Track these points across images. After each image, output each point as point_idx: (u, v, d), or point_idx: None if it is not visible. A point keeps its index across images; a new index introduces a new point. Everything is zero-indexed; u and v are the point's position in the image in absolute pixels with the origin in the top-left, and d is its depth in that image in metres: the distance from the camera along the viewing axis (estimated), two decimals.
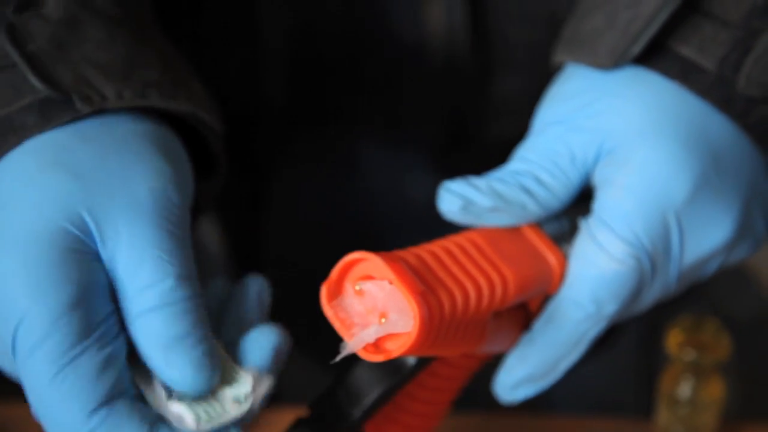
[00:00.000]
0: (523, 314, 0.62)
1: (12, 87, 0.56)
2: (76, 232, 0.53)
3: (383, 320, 0.53)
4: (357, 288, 0.54)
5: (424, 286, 0.54)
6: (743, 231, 0.62)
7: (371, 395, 0.60)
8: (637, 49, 0.61)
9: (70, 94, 0.56)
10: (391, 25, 0.80)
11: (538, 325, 0.61)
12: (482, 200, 0.60)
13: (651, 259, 0.60)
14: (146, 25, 0.63)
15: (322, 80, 0.82)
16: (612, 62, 0.61)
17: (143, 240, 0.54)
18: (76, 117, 0.56)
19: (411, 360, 0.60)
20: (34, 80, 0.56)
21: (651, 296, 0.62)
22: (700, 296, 0.88)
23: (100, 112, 0.57)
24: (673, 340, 0.77)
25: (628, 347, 0.90)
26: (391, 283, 0.53)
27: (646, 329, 0.89)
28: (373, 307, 0.54)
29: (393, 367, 0.60)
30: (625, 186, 0.60)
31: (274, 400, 0.89)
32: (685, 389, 0.78)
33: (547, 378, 0.62)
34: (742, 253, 0.63)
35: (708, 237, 0.61)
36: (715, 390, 0.78)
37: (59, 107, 0.56)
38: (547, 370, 0.61)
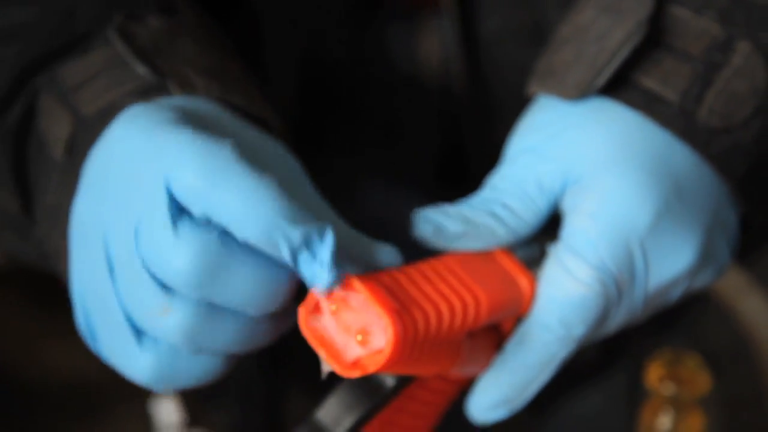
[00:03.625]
0: (496, 337, 0.64)
1: (116, 81, 0.62)
2: None
3: (359, 338, 0.56)
4: (333, 308, 0.56)
5: (399, 305, 0.56)
6: (706, 257, 0.64)
7: (352, 416, 0.61)
8: (601, 81, 0.63)
9: (165, 80, 0.62)
10: (388, 62, 0.83)
11: (510, 347, 0.63)
12: (452, 226, 0.62)
13: (616, 284, 0.62)
14: (228, 47, 0.69)
15: (321, 113, 0.85)
16: (579, 93, 0.64)
17: None
18: (168, 95, 0.62)
19: (390, 381, 0.62)
20: (138, 66, 0.62)
21: (618, 319, 0.63)
22: (681, 331, 0.89)
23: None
24: (654, 374, 0.79)
25: (618, 378, 0.91)
26: (366, 302, 0.55)
27: (634, 361, 0.90)
28: (349, 326, 0.56)
29: (372, 389, 0.62)
30: (591, 213, 0.62)
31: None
32: (664, 423, 0.79)
33: (518, 399, 0.63)
34: (707, 278, 0.65)
35: (672, 262, 0.63)
36: (695, 424, 0.79)
37: (154, 92, 0.62)
38: (519, 391, 0.63)
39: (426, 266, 0.60)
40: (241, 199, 0.55)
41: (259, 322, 0.58)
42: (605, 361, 0.90)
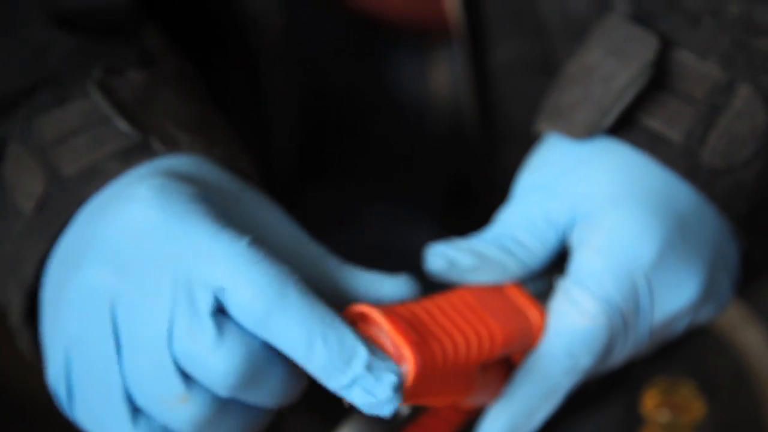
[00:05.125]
0: (506, 368, 0.66)
1: (97, 139, 0.62)
2: None
3: None
4: None
5: (418, 337, 0.58)
6: (709, 292, 0.66)
7: None
8: (608, 121, 0.65)
9: (148, 137, 0.62)
10: (398, 91, 0.85)
11: (517, 377, 0.64)
12: (465, 260, 0.64)
13: (622, 316, 0.63)
14: (206, 96, 0.70)
15: (329, 143, 0.86)
16: (586, 133, 0.66)
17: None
18: (153, 157, 0.62)
19: (404, 410, 0.63)
20: (119, 122, 0.63)
21: (624, 351, 0.65)
22: (680, 360, 0.91)
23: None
24: (650, 401, 0.80)
25: (615, 404, 0.93)
26: (387, 334, 0.57)
27: (631, 389, 0.92)
28: None
29: (387, 418, 0.64)
30: (597, 248, 0.64)
31: None
32: None
33: (525, 428, 0.65)
34: (709, 312, 0.67)
35: (675, 297, 0.64)
36: None
37: (137, 152, 0.62)
38: (525, 420, 0.64)
39: (441, 299, 0.62)
40: (302, 331, 0.55)
41: (268, 412, 0.60)
42: (602, 388, 0.91)
